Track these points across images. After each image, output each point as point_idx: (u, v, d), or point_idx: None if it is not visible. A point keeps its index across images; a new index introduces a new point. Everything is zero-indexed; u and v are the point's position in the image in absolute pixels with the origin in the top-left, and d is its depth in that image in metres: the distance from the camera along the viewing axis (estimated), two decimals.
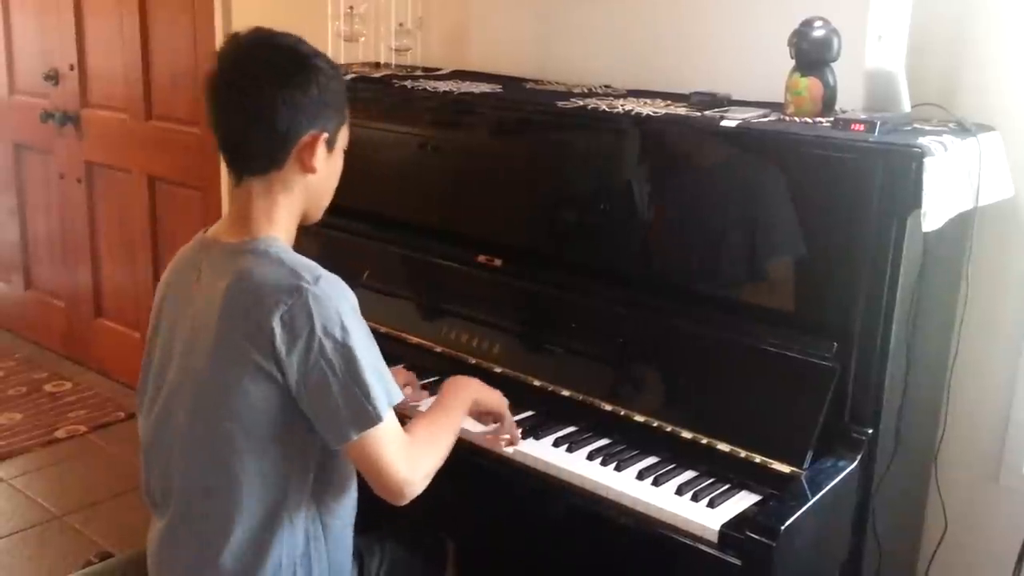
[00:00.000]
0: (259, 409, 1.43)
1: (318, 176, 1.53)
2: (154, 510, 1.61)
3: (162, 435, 1.56)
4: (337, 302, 1.43)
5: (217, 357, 1.45)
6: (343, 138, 1.58)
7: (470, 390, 1.70)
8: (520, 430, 1.81)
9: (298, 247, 1.55)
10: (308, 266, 1.46)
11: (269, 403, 1.43)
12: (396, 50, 2.57)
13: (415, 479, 1.48)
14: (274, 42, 1.51)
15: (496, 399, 1.75)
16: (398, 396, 1.47)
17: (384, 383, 1.45)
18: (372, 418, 1.42)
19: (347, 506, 1.60)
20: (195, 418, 1.49)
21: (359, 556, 1.72)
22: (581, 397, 1.86)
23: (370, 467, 1.46)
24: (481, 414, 1.76)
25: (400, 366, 1.99)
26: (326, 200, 1.61)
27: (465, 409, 1.67)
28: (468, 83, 2.28)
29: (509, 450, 1.77)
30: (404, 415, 1.90)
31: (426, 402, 1.92)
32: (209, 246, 1.55)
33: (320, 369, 1.41)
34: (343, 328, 1.41)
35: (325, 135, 1.51)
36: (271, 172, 1.50)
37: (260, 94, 1.46)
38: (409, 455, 1.48)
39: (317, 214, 1.61)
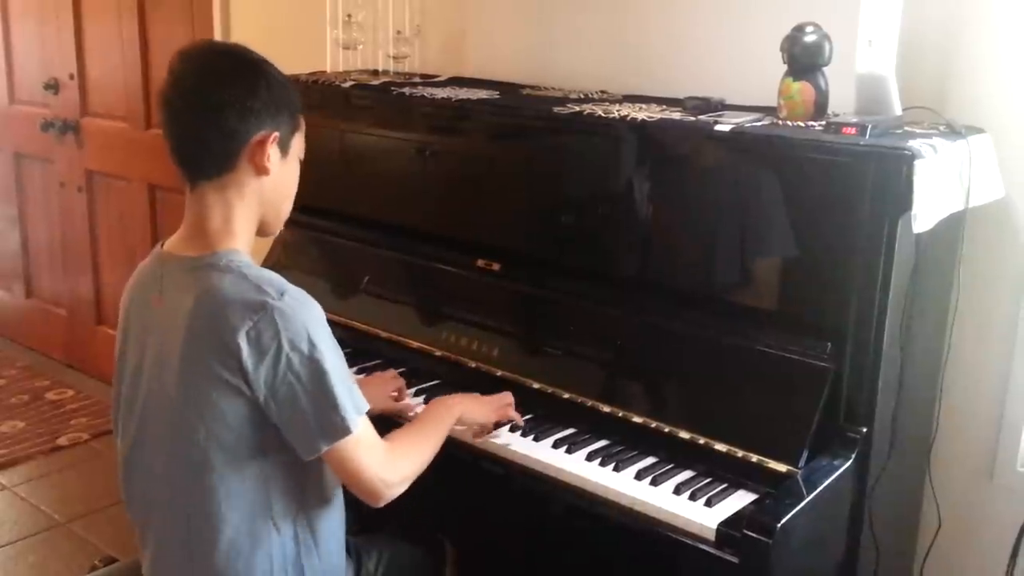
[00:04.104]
0: (230, 423, 1.44)
1: (272, 180, 1.53)
2: (140, 527, 1.62)
3: (139, 454, 1.57)
4: (303, 316, 1.44)
5: (185, 375, 1.46)
6: (298, 146, 1.59)
7: (453, 407, 1.74)
8: (519, 432, 1.83)
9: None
10: (272, 281, 1.46)
11: (239, 417, 1.44)
12: (394, 57, 2.60)
13: (392, 481, 1.52)
14: (222, 49, 1.57)
15: (482, 414, 1.78)
16: (365, 406, 1.49)
17: (352, 394, 1.47)
18: (341, 429, 1.44)
19: (335, 512, 1.61)
20: (169, 437, 1.50)
21: (356, 557, 1.74)
22: (580, 399, 1.88)
23: (348, 472, 1.49)
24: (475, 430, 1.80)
25: (390, 371, 2.02)
26: (284, 208, 1.60)
27: (448, 423, 1.70)
28: (465, 90, 2.30)
29: (504, 441, 1.79)
30: (400, 422, 1.93)
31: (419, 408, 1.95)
32: (167, 260, 1.54)
33: (288, 383, 1.42)
34: (310, 342, 1.42)
35: (276, 135, 1.51)
36: (224, 175, 1.50)
37: (209, 94, 1.48)
38: (386, 459, 1.52)
39: (276, 223, 1.60)
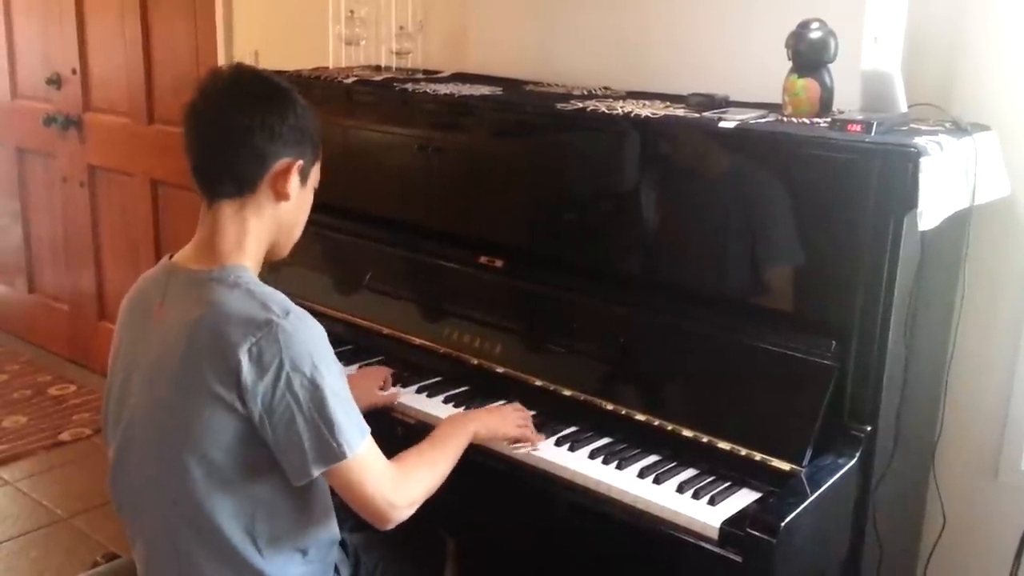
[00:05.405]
0: (220, 441, 1.42)
1: (289, 206, 1.54)
2: (128, 531, 1.60)
3: (124, 462, 1.56)
4: (307, 336, 1.42)
5: (179, 386, 1.44)
6: (315, 176, 1.59)
7: (468, 424, 1.71)
8: None
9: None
10: (278, 299, 1.45)
11: (229, 435, 1.42)
12: (396, 53, 2.59)
13: (399, 504, 1.49)
14: (254, 72, 1.56)
15: (500, 430, 1.75)
16: (366, 429, 1.47)
17: (352, 417, 1.44)
18: (336, 454, 1.41)
19: (324, 534, 1.59)
20: (155, 449, 1.49)
21: (355, 555, 1.73)
22: (583, 397, 1.87)
23: (354, 496, 1.47)
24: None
25: (375, 363, 2.03)
26: (295, 235, 1.61)
27: (461, 442, 1.67)
28: (468, 86, 2.29)
29: (521, 450, 1.78)
30: (393, 414, 1.93)
31: (408, 396, 1.95)
32: (175, 272, 1.53)
33: (286, 403, 1.40)
34: (312, 363, 1.41)
35: (300, 163, 1.52)
36: (244, 195, 1.50)
37: (239, 115, 1.48)
38: (394, 482, 1.49)
39: (285, 249, 1.60)
